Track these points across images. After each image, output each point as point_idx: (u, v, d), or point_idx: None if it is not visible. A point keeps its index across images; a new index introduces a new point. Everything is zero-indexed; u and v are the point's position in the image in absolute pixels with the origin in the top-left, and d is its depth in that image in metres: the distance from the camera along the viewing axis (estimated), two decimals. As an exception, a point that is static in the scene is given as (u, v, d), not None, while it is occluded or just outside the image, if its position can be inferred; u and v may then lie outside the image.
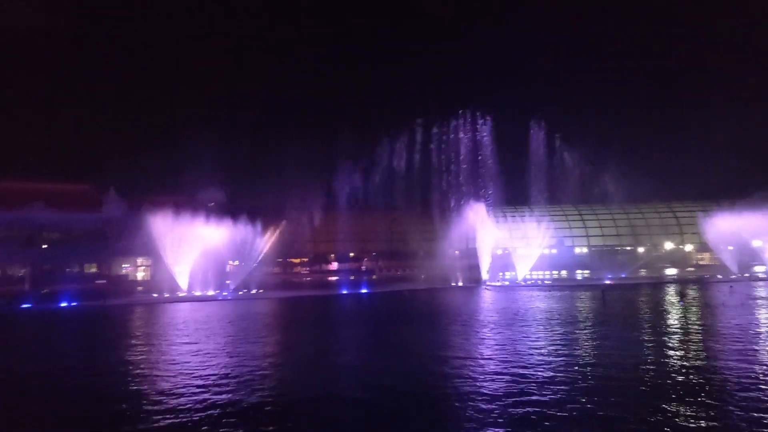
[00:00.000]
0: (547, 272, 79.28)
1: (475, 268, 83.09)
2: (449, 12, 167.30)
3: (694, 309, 36.88)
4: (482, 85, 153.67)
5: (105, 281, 77.39)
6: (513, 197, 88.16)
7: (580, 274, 77.68)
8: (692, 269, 71.54)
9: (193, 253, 70.53)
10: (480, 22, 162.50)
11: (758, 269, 67.82)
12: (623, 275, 72.96)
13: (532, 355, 21.00)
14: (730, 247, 68.35)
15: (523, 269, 79.20)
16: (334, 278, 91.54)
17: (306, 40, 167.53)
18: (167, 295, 65.90)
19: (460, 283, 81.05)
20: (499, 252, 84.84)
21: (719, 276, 65.88)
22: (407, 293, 61.06)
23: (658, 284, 61.75)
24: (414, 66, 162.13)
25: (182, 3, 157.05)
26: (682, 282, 62.10)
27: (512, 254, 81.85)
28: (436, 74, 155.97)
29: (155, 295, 66.51)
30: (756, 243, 69.15)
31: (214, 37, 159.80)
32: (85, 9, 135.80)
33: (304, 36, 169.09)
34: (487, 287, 71.15)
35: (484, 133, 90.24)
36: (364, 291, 72.40)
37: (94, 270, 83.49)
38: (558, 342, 24.11)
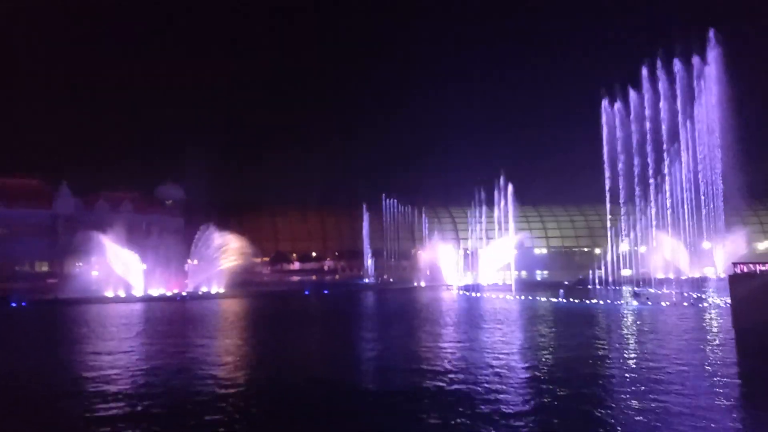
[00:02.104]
0: (508, 272, 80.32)
1: (436, 268, 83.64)
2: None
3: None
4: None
5: (56, 280, 74.67)
6: (478, 198, 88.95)
7: (539, 275, 79.07)
8: (645, 270, 73.47)
9: (150, 252, 68.64)
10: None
11: (708, 270, 70.11)
12: (580, 276, 74.55)
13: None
14: (681, 248, 70.48)
15: (486, 270, 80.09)
16: (295, 278, 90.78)
17: (263, 36, 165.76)
18: (122, 295, 64.00)
19: (423, 284, 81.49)
20: (461, 252, 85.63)
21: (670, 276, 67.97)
22: (361, 293, 61.08)
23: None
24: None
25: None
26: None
27: (475, 255, 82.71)
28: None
29: (109, 294, 64.44)
30: (706, 244, 71.45)
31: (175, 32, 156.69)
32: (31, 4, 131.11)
33: (261, 31, 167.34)
34: (449, 287, 71.69)
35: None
36: (325, 291, 71.94)
37: (45, 268, 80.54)
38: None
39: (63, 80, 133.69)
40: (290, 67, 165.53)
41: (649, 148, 72.93)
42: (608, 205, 78.36)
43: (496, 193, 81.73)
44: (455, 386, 15.87)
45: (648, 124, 64.44)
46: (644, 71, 59.99)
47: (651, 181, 72.18)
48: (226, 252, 75.81)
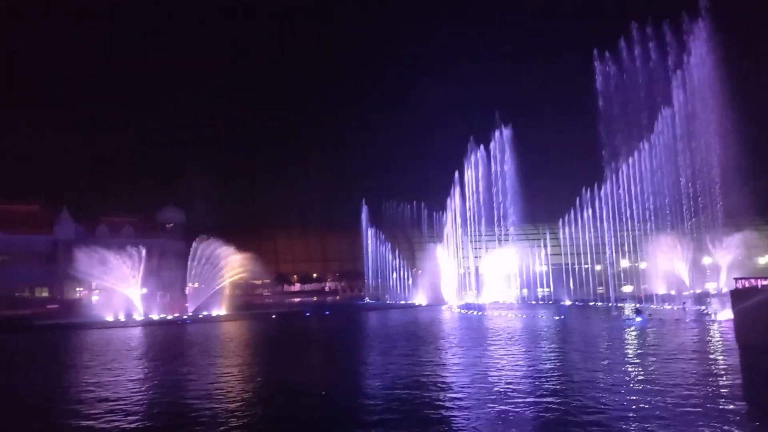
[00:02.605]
0: (510, 291, 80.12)
1: (437, 287, 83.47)
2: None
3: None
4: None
5: (57, 306, 74.48)
6: (478, 217, 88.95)
7: (540, 293, 78.78)
8: (646, 286, 73.35)
9: (151, 276, 68.50)
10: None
11: (710, 285, 69.97)
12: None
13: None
14: (683, 264, 70.43)
15: (487, 289, 79.89)
16: (297, 299, 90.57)
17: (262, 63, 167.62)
18: (122, 320, 63.69)
19: (424, 303, 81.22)
20: (462, 272, 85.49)
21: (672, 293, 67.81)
22: (362, 313, 60.84)
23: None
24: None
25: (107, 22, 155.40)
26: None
27: (476, 274, 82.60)
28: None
29: (109, 319, 64.15)
30: (707, 260, 71.41)
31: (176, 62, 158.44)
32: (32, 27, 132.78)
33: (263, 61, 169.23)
34: (450, 307, 71.42)
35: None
36: (326, 312, 71.61)
37: (45, 294, 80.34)
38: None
39: (63, 106, 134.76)
40: (292, 89, 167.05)
41: (645, 164, 73.54)
42: (608, 222, 78.72)
43: (495, 211, 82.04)
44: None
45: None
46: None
47: (649, 196, 72.65)
48: (226, 275, 75.66)
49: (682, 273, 70.55)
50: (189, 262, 73.33)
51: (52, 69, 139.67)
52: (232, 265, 73.85)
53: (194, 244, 71.85)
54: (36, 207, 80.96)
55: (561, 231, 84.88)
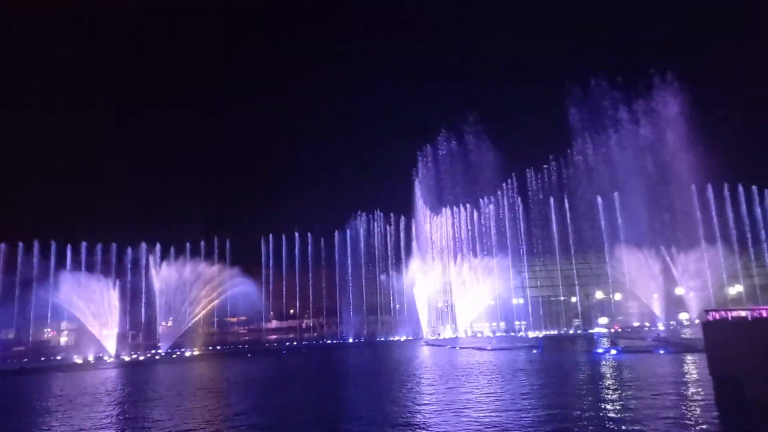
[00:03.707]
0: (487, 324, 79.88)
1: (415, 322, 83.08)
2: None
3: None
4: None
5: (23, 348, 71.88)
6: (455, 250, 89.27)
7: (518, 325, 78.78)
8: (621, 318, 74.06)
9: (121, 315, 66.97)
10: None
11: (683, 316, 70.94)
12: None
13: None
14: (655, 295, 71.46)
15: (464, 322, 79.62)
16: (273, 336, 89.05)
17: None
18: (92, 361, 61.84)
19: (403, 338, 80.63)
20: (440, 305, 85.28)
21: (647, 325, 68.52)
22: (338, 350, 60.06)
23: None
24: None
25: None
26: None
27: (452, 307, 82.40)
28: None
29: (78, 361, 62.21)
30: (679, 290, 72.59)
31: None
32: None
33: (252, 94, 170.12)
34: (426, 342, 70.98)
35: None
36: (303, 351, 70.70)
37: (11, 336, 77.51)
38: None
39: (38, 141, 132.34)
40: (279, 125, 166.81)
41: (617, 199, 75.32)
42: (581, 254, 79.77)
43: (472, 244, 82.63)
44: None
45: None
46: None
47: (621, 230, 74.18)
48: (200, 312, 74.27)
49: (655, 305, 71.60)
50: (158, 299, 72.08)
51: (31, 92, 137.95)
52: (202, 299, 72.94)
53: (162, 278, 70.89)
54: (2, 245, 78.65)
55: (536, 263, 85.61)
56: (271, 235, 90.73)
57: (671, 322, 68.77)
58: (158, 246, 76.67)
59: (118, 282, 69.77)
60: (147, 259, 75.26)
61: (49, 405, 29.72)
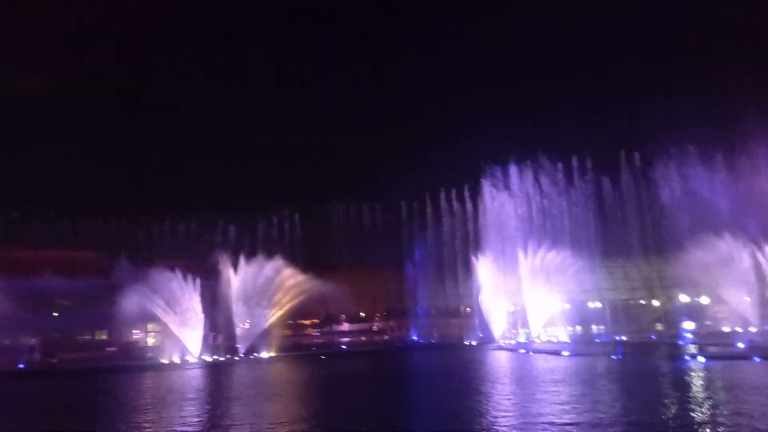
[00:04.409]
0: (562, 328, 77.46)
1: (486, 326, 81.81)
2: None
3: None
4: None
5: (115, 348, 76.84)
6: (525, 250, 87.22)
7: (595, 329, 75.98)
8: (709, 322, 69.91)
9: (203, 318, 70.18)
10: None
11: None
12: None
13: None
14: (747, 298, 66.88)
15: (537, 326, 77.59)
16: (345, 339, 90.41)
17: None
18: (177, 362, 65.21)
19: (474, 342, 79.65)
20: (512, 309, 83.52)
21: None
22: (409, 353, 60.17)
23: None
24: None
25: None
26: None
27: (525, 310, 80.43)
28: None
29: (165, 361, 65.75)
30: None
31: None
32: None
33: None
34: (498, 347, 69.91)
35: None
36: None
37: (104, 337, 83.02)
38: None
39: (115, 156, 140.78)
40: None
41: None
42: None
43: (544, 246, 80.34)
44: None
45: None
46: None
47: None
48: (276, 315, 76.46)
49: (748, 308, 67.17)
50: (235, 301, 74.81)
51: (104, 110, 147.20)
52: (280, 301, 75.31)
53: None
54: (94, 253, 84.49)
55: (613, 263, 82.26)
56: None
57: (766, 327, 64.19)
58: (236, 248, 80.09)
59: (199, 284, 73.00)
60: (226, 261, 78.19)
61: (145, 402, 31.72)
